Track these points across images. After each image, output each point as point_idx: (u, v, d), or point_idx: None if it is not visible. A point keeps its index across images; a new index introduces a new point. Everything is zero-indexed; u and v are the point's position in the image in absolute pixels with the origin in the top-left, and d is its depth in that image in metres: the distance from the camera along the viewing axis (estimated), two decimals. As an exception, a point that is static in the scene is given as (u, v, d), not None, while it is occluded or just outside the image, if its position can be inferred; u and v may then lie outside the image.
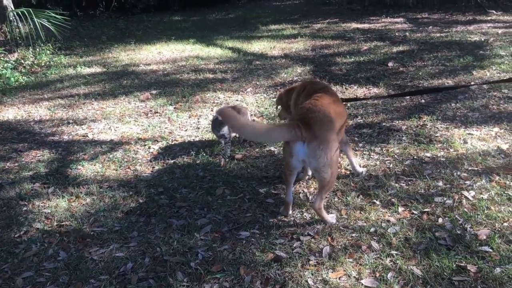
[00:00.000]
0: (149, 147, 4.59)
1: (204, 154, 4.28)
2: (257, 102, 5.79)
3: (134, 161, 4.27)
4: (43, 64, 8.53)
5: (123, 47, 10.08)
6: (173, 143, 4.67)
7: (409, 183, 3.52)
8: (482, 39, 8.08)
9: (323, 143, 2.80)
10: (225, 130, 4.20)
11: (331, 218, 3.08)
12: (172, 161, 4.21)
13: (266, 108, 5.52)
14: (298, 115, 3.05)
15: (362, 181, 3.59)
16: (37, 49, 8.97)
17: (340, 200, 3.35)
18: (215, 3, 17.35)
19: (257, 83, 6.65)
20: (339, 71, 6.96)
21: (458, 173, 3.56)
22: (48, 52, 9.11)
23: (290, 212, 3.22)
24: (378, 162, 3.91)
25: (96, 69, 8.16)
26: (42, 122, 5.58)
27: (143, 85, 6.94)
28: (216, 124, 4.21)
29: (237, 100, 5.95)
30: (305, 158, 2.86)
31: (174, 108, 5.78)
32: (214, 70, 7.54)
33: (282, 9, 15.76)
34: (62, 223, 3.30)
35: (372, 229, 2.95)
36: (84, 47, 10.34)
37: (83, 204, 3.54)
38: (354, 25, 11.17)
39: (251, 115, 4.83)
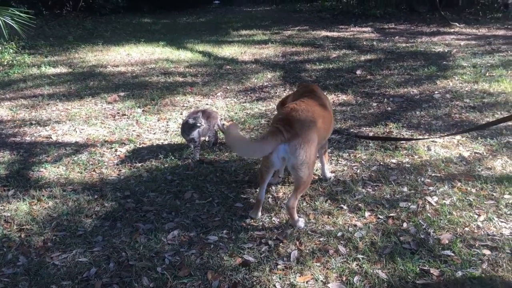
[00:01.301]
0: (116, 150, 4.49)
1: (173, 158, 4.23)
2: (227, 107, 5.78)
3: (100, 164, 4.17)
4: (5, 63, 8.24)
5: (90, 48, 9.87)
6: (141, 146, 4.59)
7: (376, 188, 3.58)
8: (446, 50, 8.36)
9: (303, 141, 2.87)
10: (194, 134, 4.17)
11: (300, 222, 3.09)
12: (140, 164, 4.14)
13: (236, 113, 5.51)
14: (281, 114, 3.12)
15: (330, 186, 3.63)
16: (0, 48, 8.66)
17: (308, 205, 3.37)
18: (186, 7, 17.26)
19: (228, 87, 6.65)
20: (309, 77, 7.04)
21: (422, 179, 3.66)
22: (11, 51, 8.81)
23: (260, 214, 3.22)
24: (345, 168, 3.96)
25: (62, 69, 7.95)
26: (3, 123, 5.38)
27: (110, 86, 6.80)
28: (186, 128, 4.18)
29: (207, 104, 5.92)
30: (284, 155, 2.90)
31: (143, 110, 5.69)
32: (184, 74, 7.48)
33: (253, 15, 15.83)
34: (22, 227, 3.18)
35: (339, 234, 2.98)
36: (49, 46, 10.05)
37: (45, 208, 3.43)
38: (324, 33, 11.35)
39: (221, 119, 4.81)
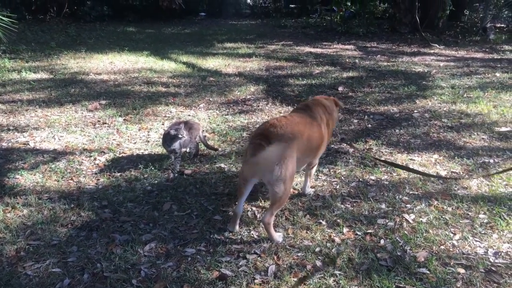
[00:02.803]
0: (95, 159, 4.43)
1: (153, 168, 4.19)
2: (209, 118, 5.78)
3: (77, 173, 4.10)
4: (-16, 66, 8.10)
5: (73, 55, 9.78)
6: (120, 156, 4.54)
7: (354, 204, 3.61)
8: (426, 70, 8.55)
9: (280, 159, 2.86)
10: (176, 145, 4.14)
11: (278, 236, 3.09)
12: (119, 174, 4.09)
13: (218, 125, 5.51)
14: (259, 129, 3.15)
15: (309, 201, 3.64)
16: (-21, 51, 8.52)
17: (287, 220, 3.37)
18: (172, 17, 17.28)
19: (210, 99, 6.65)
20: (291, 92, 7.10)
21: (400, 196, 3.70)
22: (-9, 54, 8.67)
23: (237, 227, 3.22)
24: (325, 183, 3.99)
25: (43, 75, 7.85)
26: (-20, 127, 5.27)
27: (92, 94, 6.74)
28: (167, 139, 4.15)
29: (189, 115, 5.91)
30: (261, 170, 2.90)
31: (124, 119, 5.64)
32: (167, 84, 7.46)
33: (238, 28, 15.94)
34: (-6, 235, 3.10)
35: (317, 249, 2.99)
36: (31, 51, 9.93)
37: (20, 216, 3.35)
38: (308, 49, 11.49)
39: (203, 130, 4.80)
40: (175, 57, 9.89)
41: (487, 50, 11.22)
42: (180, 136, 4.09)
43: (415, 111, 5.98)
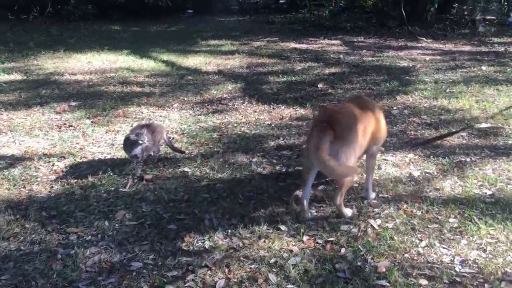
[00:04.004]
0: (53, 164, 4.23)
1: (112, 174, 3.99)
2: (181, 119, 5.58)
3: (32, 180, 3.90)
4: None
5: (51, 55, 9.54)
6: (81, 160, 4.34)
7: (319, 209, 3.43)
8: (410, 65, 8.35)
9: (345, 144, 2.98)
10: (137, 150, 3.94)
11: (348, 211, 3.26)
12: (75, 180, 3.89)
13: (189, 126, 5.31)
14: (322, 115, 3.28)
15: (272, 207, 3.45)
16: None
17: (246, 227, 3.18)
18: (159, 15, 16.98)
19: (185, 99, 6.44)
20: (269, 90, 6.90)
21: (368, 200, 3.51)
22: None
23: (309, 214, 3.27)
24: (292, 187, 3.80)
25: (16, 77, 7.63)
26: None
27: (63, 95, 6.52)
28: (128, 144, 3.95)
29: (160, 116, 5.71)
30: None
31: (92, 122, 5.44)
32: (142, 83, 7.25)
33: (225, 25, 15.70)
34: None
35: (272, 260, 2.80)
36: (8, 52, 9.69)
37: (-39, 229, 3.15)
38: (293, 44, 11.27)
39: (168, 132, 4.60)
40: (156, 55, 9.66)
41: (476, 43, 11.01)
42: (140, 142, 3.89)
43: (395, 108, 5.79)
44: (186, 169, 4.14)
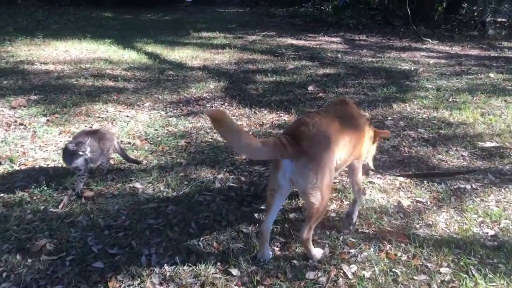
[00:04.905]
0: (-16, 172, 3.64)
1: (46, 188, 3.39)
2: (149, 120, 4.97)
3: (-50, 192, 3.31)
4: None
5: (28, 41, 8.92)
6: (18, 168, 3.74)
7: (284, 248, 2.82)
8: (412, 68, 7.71)
9: (313, 160, 2.40)
10: (79, 162, 3.35)
11: (317, 252, 2.69)
12: (0, 195, 3.29)
13: (156, 130, 4.70)
14: (288, 128, 2.68)
15: (227, 241, 2.85)
16: None
17: (191, 270, 2.58)
18: (155, 3, 16.35)
19: (160, 97, 5.83)
20: (254, 90, 6.27)
21: (345, 236, 2.91)
22: None
23: (268, 252, 2.70)
24: (257, 213, 3.19)
25: (-19, 64, 7.02)
26: None
27: (25, 88, 5.91)
28: (67, 155, 3.35)
29: (127, 116, 5.10)
30: (292, 176, 2.43)
31: (47, 120, 4.83)
32: (117, 77, 6.63)
33: (223, 17, 15.04)
34: None
35: (211, 321, 2.20)
36: (-17, 36, 9.09)
37: None
38: (290, 40, 10.62)
39: (120, 141, 3.98)
40: (140, 46, 9.03)
41: (484, 46, 10.34)
42: (81, 152, 3.29)
43: (389, 118, 5.16)
44: (137, 184, 3.54)
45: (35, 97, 5.55)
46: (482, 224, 3.08)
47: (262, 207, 3.23)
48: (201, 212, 3.18)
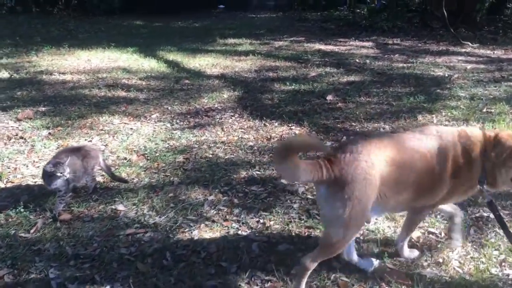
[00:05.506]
0: (-32, 190, 3.51)
1: (24, 210, 3.20)
2: (153, 133, 4.76)
3: None
4: None
5: (53, 51, 8.99)
6: (4, 186, 3.60)
7: (266, 284, 2.47)
8: (446, 75, 7.13)
9: (342, 190, 2.12)
10: (58, 183, 3.14)
11: None
12: (-26, 217, 3.13)
13: (156, 144, 4.47)
14: (330, 151, 2.36)
15: (202, 276, 2.53)
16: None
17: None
18: (189, 10, 16.33)
19: (169, 108, 5.61)
20: (269, 100, 5.94)
21: (339, 274, 2.52)
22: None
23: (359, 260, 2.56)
24: (243, 241, 2.86)
25: (2, 75, 7.07)
26: None
27: (37, 99, 5.86)
28: (45, 176, 3.17)
29: (131, 128, 4.91)
30: (321, 199, 2.26)
31: (49, 133, 4.71)
32: (131, 87, 6.48)
33: (254, 22, 14.80)
34: None
35: None
36: (12, 47, 9.27)
37: None
38: (318, 46, 10.20)
39: (105, 159, 3.75)
40: (162, 54, 8.90)
41: (531, 50, 9.52)
42: (58, 174, 3.08)
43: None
44: (120, 206, 3.29)
45: (43, 108, 5.48)
46: (503, 264, 2.60)
47: (253, 237, 2.89)
48: (180, 240, 2.89)
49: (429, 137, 2.35)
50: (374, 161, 2.16)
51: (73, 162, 3.24)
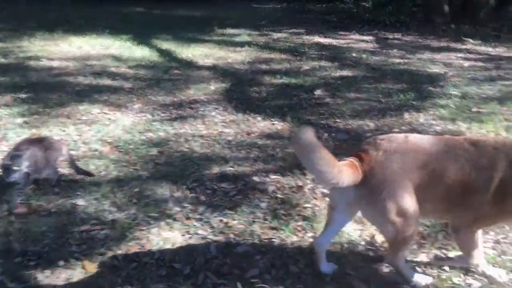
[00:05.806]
0: None
1: (-24, 204, 3.10)
2: (131, 125, 4.64)
3: None
4: None
5: (47, 36, 8.88)
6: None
7: (216, 289, 2.36)
8: (442, 72, 6.96)
9: (375, 192, 2.09)
10: (16, 176, 3.03)
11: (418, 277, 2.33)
12: None
13: (133, 136, 4.35)
14: (360, 147, 2.28)
15: (148, 279, 2.42)
16: None
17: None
18: (192, -1, 16.10)
19: (153, 98, 5.49)
20: (256, 94, 5.80)
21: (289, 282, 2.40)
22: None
23: (326, 265, 2.43)
24: (201, 241, 2.75)
25: (-12, 60, 6.98)
26: None
27: (19, 85, 5.75)
28: (3, 169, 3.06)
29: (109, 119, 4.79)
30: (351, 202, 2.17)
31: (24, 121, 4.61)
32: (118, 75, 6.36)
33: (256, 12, 14.58)
34: None
35: None
36: (6, 31, 9.18)
37: None
38: (317, 39, 10.00)
39: (70, 150, 3.64)
40: (157, 42, 8.76)
41: (535, 48, 9.26)
42: (15, 168, 2.98)
43: (396, 130, 4.54)
44: (80, 201, 3.18)
45: (24, 95, 5.37)
46: (467, 273, 2.46)
47: (213, 237, 2.78)
48: (136, 239, 2.78)
49: (478, 149, 2.18)
50: (408, 161, 2.12)
51: (34, 154, 3.13)
